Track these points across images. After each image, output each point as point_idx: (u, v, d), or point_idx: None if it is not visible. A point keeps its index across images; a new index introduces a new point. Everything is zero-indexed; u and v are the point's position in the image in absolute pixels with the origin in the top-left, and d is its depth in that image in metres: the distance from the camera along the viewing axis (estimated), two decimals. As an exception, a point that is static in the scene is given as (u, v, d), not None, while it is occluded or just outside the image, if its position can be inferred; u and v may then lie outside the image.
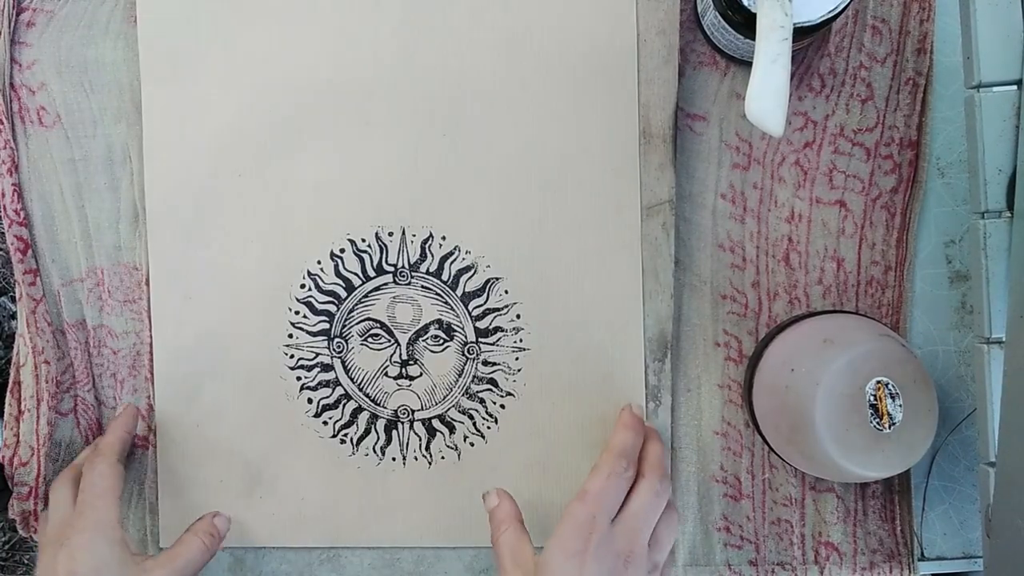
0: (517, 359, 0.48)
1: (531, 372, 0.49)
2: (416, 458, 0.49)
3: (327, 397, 0.49)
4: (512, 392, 0.49)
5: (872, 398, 0.40)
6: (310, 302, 0.49)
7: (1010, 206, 0.41)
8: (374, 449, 0.50)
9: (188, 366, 0.49)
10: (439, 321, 0.48)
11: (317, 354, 0.49)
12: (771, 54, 0.37)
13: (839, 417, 0.40)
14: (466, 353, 0.49)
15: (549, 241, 0.48)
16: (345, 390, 0.49)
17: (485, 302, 0.48)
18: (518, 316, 0.48)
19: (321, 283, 0.49)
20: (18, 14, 0.48)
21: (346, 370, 0.49)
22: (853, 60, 0.47)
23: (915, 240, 0.47)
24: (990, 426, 0.41)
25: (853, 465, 0.41)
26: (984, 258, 0.41)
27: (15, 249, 0.49)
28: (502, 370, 0.49)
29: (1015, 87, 0.40)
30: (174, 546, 0.46)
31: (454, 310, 0.48)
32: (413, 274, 0.48)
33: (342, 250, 0.49)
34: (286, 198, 0.49)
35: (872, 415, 0.40)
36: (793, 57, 0.38)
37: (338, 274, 0.49)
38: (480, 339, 0.49)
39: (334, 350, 0.49)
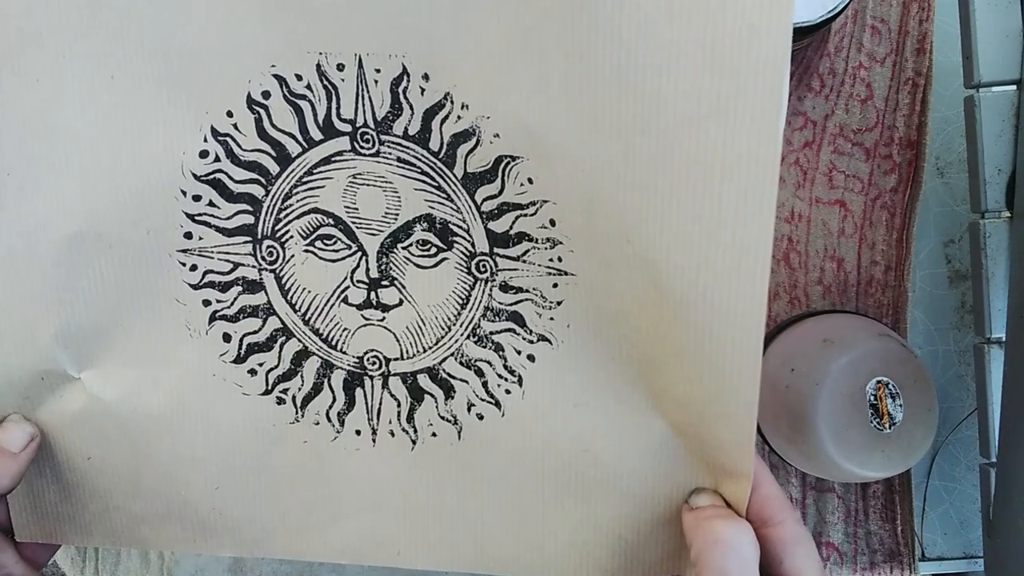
0: (555, 286, 0.30)
1: (577, 306, 0.30)
2: (392, 433, 0.32)
3: (254, 332, 0.32)
4: (547, 336, 0.31)
5: (872, 398, 0.40)
6: (218, 180, 0.30)
7: (1010, 206, 0.41)
8: (327, 415, 0.33)
9: (19, 288, 0.31)
10: (428, 218, 0.30)
11: (236, 265, 0.31)
12: (770, 54, 0.37)
13: (839, 417, 0.40)
14: (474, 271, 0.30)
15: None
16: (282, 321, 0.32)
17: (500, 192, 0.29)
18: (552, 222, 0.29)
19: (236, 148, 0.30)
20: None
21: (283, 291, 0.32)
22: (852, 60, 0.47)
23: (915, 240, 0.47)
24: (990, 426, 0.41)
25: (853, 465, 0.41)
26: (984, 258, 0.41)
27: None
28: (532, 300, 0.30)
29: (1014, 87, 0.40)
30: None
31: (452, 200, 0.30)
32: (383, 137, 0.29)
33: (266, 93, 0.29)
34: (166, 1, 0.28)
35: (872, 415, 0.40)
36: (793, 57, 0.38)
37: (262, 134, 0.30)
38: (497, 250, 0.30)
39: (263, 258, 0.31)
